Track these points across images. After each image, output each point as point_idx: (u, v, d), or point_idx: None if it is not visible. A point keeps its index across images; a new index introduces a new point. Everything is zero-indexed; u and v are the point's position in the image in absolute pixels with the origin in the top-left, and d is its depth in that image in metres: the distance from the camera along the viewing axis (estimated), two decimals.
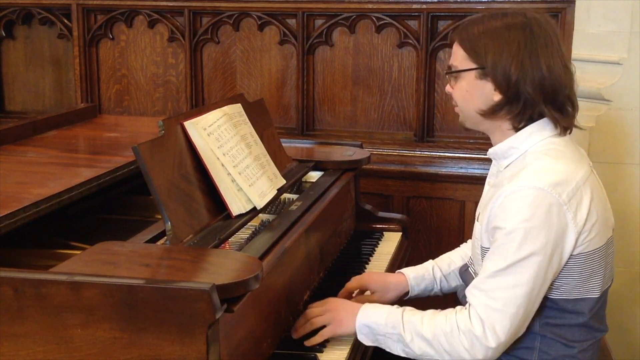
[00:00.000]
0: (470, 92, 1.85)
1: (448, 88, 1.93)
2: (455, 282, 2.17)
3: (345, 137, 3.38)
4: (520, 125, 1.83)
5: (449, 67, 1.90)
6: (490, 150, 1.92)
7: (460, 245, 2.27)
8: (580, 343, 1.82)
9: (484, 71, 1.81)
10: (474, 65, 1.82)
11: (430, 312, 1.85)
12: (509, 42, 1.78)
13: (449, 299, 2.16)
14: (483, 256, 1.83)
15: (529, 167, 1.77)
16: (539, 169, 1.75)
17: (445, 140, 3.34)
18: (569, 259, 1.75)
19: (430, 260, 2.23)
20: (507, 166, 1.86)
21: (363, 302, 1.95)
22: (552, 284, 1.77)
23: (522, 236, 1.70)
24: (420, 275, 2.18)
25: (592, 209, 1.75)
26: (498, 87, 1.80)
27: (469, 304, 1.79)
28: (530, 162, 1.78)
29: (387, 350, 1.87)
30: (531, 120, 1.82)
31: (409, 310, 1.87)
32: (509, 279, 1.72)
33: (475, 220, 1.92)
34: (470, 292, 1.80)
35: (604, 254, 1.81)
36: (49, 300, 1.45)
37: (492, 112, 1.83)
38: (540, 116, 1.82)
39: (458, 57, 1.86)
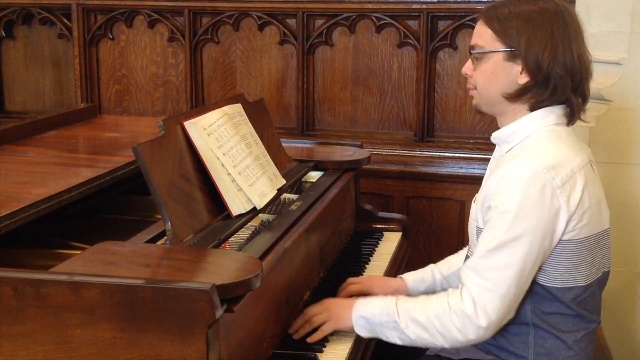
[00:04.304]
0: (495, 74, 1.83)
1: (466, 69, 1.90)
2: (456, 283, 2.16)
3: (345, 137, 3.37)
4: (536, 108, 1.83)
5: (472, 47, 1.87)
6: (494, 135, 1.93)
7: (462, 250, 2.26)
8: (572, 333, 1.83)
9: (513, 53, 1.79)
10: (503, 47, 1.81)
11: (423, 297, 1.88)
12: (542, 26, 1.78)
13: None
14: (478, 237, 1.85)
15: (526, 150, 1.79)
16: (536, 152, 1.77)
17: (445, 140, 3.34)
18: (558, 244, 1.76)
19: (431, 264, 2.25)
20: (508, 150, 1.87)
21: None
22: (541, 270, 1.78)
23: (513, 216, 1.72)
24: (420, 278, 2.20)
25: (584, 196, 1.76)
26: (528, 70, 1.79)
27: (462, 284, 1.80)
28: (529, 146, 1.80)
29: (385, 339, 1.89)
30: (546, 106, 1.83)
31: (403, 298, 1.89)
32: (500, 259, 1.74)
33: (473, 201, 1.93)
34: (463, 272, 1.82)
35: (594, 244, 1.81)
36: (49, 300, 1.45)
37: (517, 95, 1.82)
38: (556, 103, 1.82)
39: (485, 37, 1.84)
